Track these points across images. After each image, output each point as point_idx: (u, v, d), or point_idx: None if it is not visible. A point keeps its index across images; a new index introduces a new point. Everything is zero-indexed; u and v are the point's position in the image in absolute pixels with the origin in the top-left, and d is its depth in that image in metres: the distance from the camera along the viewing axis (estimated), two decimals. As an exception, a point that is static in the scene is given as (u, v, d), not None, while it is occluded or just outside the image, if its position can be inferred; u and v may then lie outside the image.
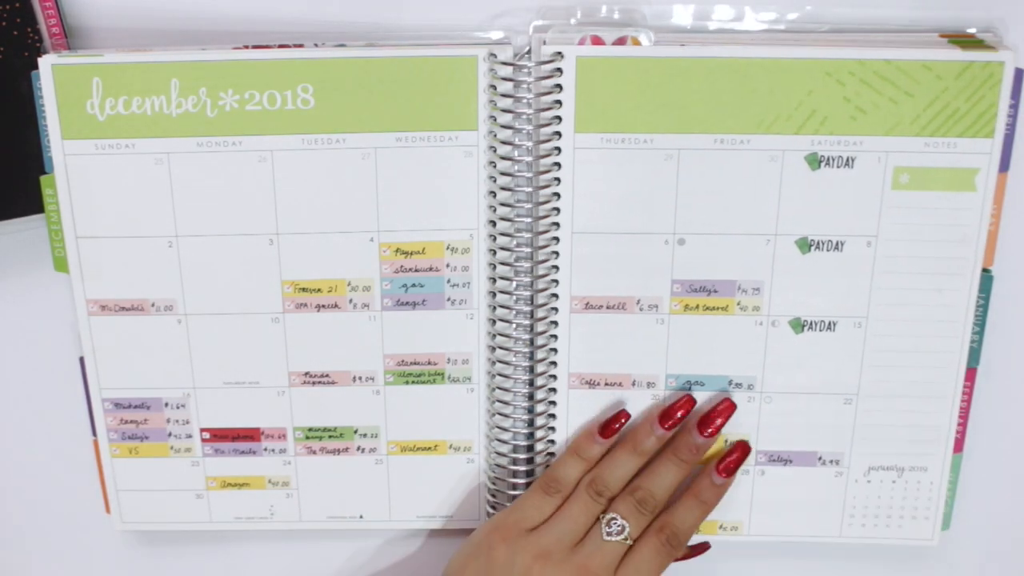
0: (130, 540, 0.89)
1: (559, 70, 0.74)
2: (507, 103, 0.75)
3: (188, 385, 0.82)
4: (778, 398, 0.80)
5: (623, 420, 0.79)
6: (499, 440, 0.82)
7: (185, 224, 0.78)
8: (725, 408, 0.79)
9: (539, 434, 0.82)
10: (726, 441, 0.81)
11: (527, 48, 0.76)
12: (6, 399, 0.86)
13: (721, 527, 0.84)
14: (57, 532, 0.89)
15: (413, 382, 0.82)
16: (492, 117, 0.76)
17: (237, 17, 0.78)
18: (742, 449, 0.79)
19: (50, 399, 0.85)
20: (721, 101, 0.74)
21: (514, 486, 0.82)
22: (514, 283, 0.78)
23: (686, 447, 0.79)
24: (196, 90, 0.76)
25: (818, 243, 0.77)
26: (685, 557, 0.80)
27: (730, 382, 0.80)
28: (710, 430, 0.78)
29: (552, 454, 0.82)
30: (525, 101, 0.75)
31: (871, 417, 0.80)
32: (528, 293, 0.79)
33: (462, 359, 0.81)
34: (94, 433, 0.84)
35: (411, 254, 0.79)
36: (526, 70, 0.75)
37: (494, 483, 0.83)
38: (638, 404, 0.81)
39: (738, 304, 0.78)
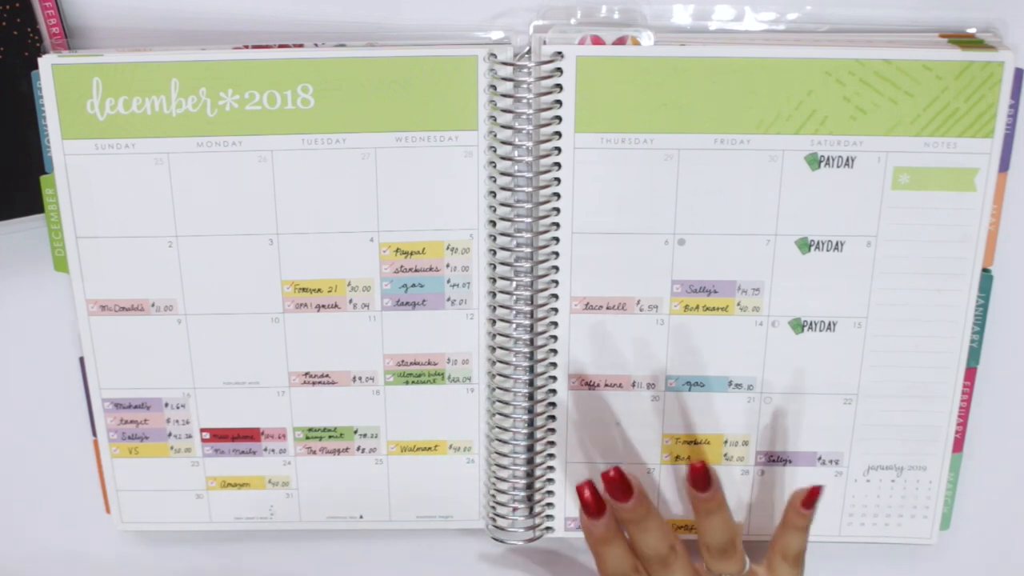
0: (130, 540, 0.89)
1: (559, 70, 0.74)
2: (507, 103, 0.75)
3: (188, 385, 0.82)
4: (778, 398, 0.80)
5: (589, 490, 0.79)
6: (499, 440, 0.82)
7: (185, 224, 0.78)
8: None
9: (539, 434, 0.82)
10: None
11: (527, 48, 0.76)
12: (6, 399, 0.86)
13: (721, 527, 0.84)
14: (57, 532, 0.89)
15: (413, 382, 0.82)
16: (492, 117, 0.76)
17: (237, 17, 0.78)
18: (817, 491, 0.78)
19: (50, 399, 0.85)
20: (721, 101, 0.74)
21: (514, 486, 0.83)
22: (514, 283, 0.78)
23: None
24: (196, 90, 0.76)
25: (818, 243, 0.77)
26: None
27: (730, 383, 0.80)
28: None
29: (552, 455, 0.82)
30: (525, 101, 0.75)
31: (871, 417, 0.80)
32: (528, 293, 0.79)
33: (462, 359, 0.81)
34: (94, 433, 0.84)
35: (411, 254, 0.79)
36: (526, 70, 0.75)
37: (494, 483, 0.83)
38: (636, 405, 0.81)
39: (738, 304, 0.78)
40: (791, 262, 0.77)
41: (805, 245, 0.77)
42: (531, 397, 0.81)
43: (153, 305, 0.80)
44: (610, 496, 0.76)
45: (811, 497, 0.78)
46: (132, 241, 0.79)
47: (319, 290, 0.80)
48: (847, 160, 0.75)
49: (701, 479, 0.76)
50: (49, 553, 0.90)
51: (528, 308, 0.79)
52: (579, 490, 0.77)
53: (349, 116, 0.76)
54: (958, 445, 0.82)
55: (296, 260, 0.79)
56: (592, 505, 0.77)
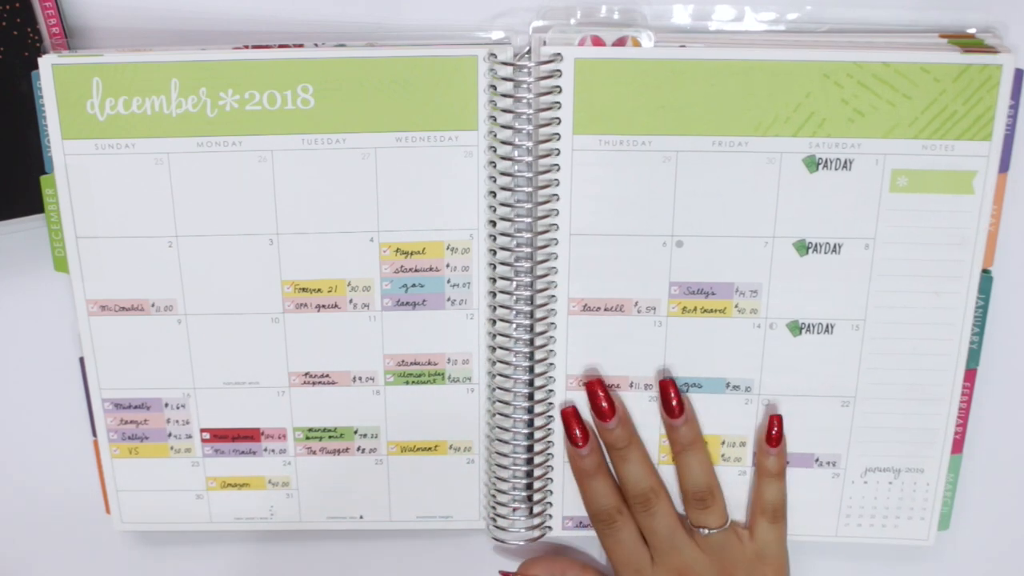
0: (130, 540, 0.89)
1: (558, 71, 0.74)
2: (507, 103, 0.75)
3: (188, 385, 0.82)
4: (775, 400, 0.80)
5: (579, 426, 0.81)
6: (499, 440, 0.82)
7: (185, 224, 0.78)
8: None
9: (539, 434, 0.82)
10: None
11: (527, 48, 0.76)
12: (6, 399, 0.86)
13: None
14: (57, 532, 0.89)
15: (413, 382, 0.82)
16: (492, 117, 0.76)
17: (237, 17, 0.78)
18: (778, 420, 0.80)
19: (50, 399, 0.86)
20: (719, 103, 0.74)
21: (514, 486, 0.83)
22: (514, 283, 0.78)
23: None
24: (196, 90, 0.76)
25: (816, 245, 0.77)
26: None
27: (727, 384, 0.80)
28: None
29: (552, 454, 0.82)
30: (525, 101, 0.75)
31: (868, 419, 0.80)
32: (528, 293, 0.79)
33: (462, 359, 0.82)
34: (94, 433, 0.84)
35: (411, 254, 0.79)
36: (526, 70, 0.75)
37: (494, 483, 0.83)
38: (634, 406, 0.81)
39: (736, 306, 0.78)
40: (789, 264, 0.77)
41: (803, 247, 0.77)
42: (531, 397, 0.81)
43: (153, 305, 0.80)
44: (595, 415, 0.80)
45: (775, 433, 0.80)
46: (132, 241, 0.79)
47: (319, 290, 0.80)
48: (845, 162, 0.75)
49: (674, 407, 0.80)
50: (49, 553, 0.90)
51: (528, 308, 0.79)
52: (564, 416, 0.81)
53: (349, 116, 0.76)
54: (958, 446, 0.82)
55: (296, 260, 0.79)
56: (576, 432, 0.80)
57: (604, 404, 0.79)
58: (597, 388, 0.80)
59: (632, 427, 0.81)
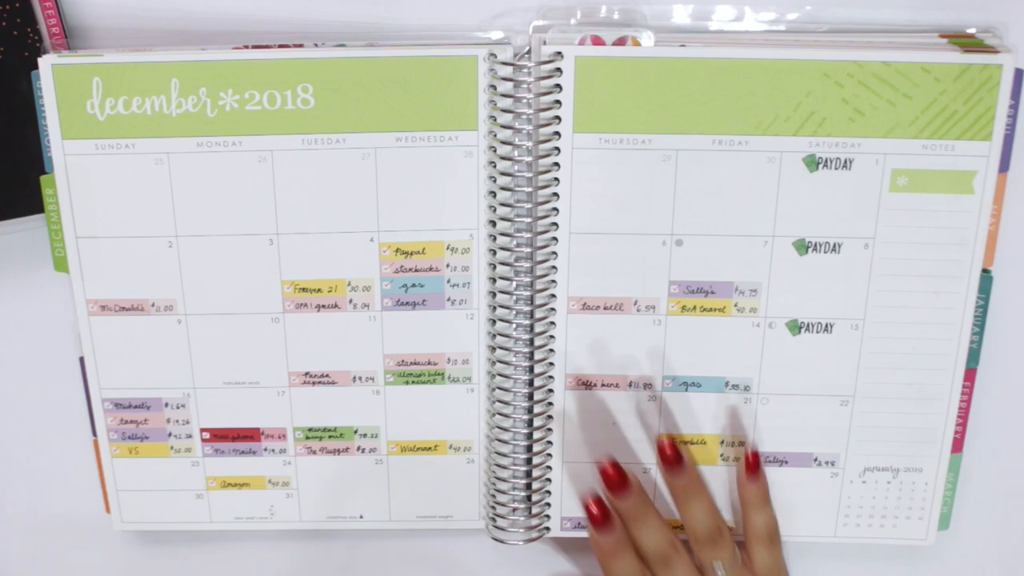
0: (130, 540, 0.89)
1: (558, 70, 0.74)
2: (507, 103, 0.75)
3: (188, 385, 0.82)
4: (774, 399, 0.80)
5: (596, 505, 0.79)
6: (499, 440, 0.82)
7: (185, 224, 0.78)
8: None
9: (539, 434, 0.82)
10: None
11: (527, 48, 0.76)
12: (6, 399, 0.86)
13: (720, 527, 0.84)
14: (57, 532, 0.89)
15: (413, 382, 0.82)
16: (492, 117, 0.76)
17: (237, 17, 0.78)
18: (754, 456, 0.80)
19: (50, 399, 0.85)
20: (719, 102, 0.74)
21: (514, 486, 0.83)
22: (514, 283, 0.78)
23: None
24: (196, 90, 0.76)
25: (816, 245, 0.77)
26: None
27: (727, 383, 0.80)
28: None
29: (551, 454, 0.82)
30: (525, 101, 0.75)
31: (867, 419, 0.80)
32: (528, 293, 0.79)
33: (462, 359, 0.82)
34: (94, 433, 0.84)
35: (411, 254, 0.79)
36: (526, 70, 0.75)
37: (494, 483, 0.83)
38: (633, 406, 0.81)
39: (735, 305, 0.78)
40: (788, 263, 0.77)
41: (803, 246, 0.77)
42: (531, 397, 0.81)
43: (153, 305, 0.80)
44: (609, 492, 0.78)
45: (751, 466, 0.80)
46: (132, 241, 0.79)
47: (319, 290, 0.80)
48: (845, 162, 0.75)
49: (672, 460, 0.79)
50: (49, 553, 0.90)
51: (528, 308, 0.79)
52: (586, 505, 0.78)
53: (349, 116, 0.76)
54: (958, 445, 0.82)
55: (296, 260, 0.79)
56: (600, 518, 0.78)
57: (619, 481, 0.77)
58: (612, 469, 0.78)
59: (646, 495, 0.80)
